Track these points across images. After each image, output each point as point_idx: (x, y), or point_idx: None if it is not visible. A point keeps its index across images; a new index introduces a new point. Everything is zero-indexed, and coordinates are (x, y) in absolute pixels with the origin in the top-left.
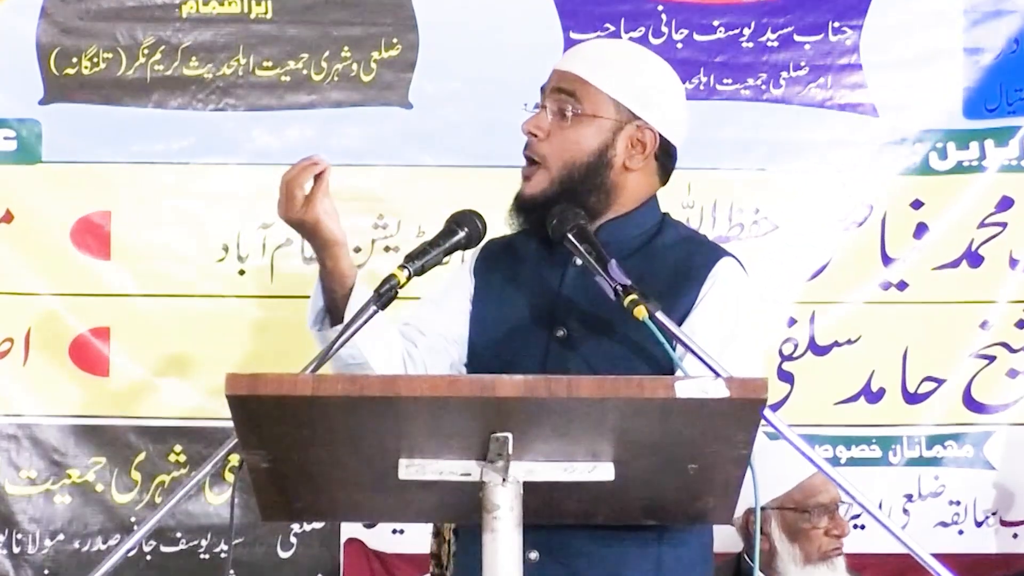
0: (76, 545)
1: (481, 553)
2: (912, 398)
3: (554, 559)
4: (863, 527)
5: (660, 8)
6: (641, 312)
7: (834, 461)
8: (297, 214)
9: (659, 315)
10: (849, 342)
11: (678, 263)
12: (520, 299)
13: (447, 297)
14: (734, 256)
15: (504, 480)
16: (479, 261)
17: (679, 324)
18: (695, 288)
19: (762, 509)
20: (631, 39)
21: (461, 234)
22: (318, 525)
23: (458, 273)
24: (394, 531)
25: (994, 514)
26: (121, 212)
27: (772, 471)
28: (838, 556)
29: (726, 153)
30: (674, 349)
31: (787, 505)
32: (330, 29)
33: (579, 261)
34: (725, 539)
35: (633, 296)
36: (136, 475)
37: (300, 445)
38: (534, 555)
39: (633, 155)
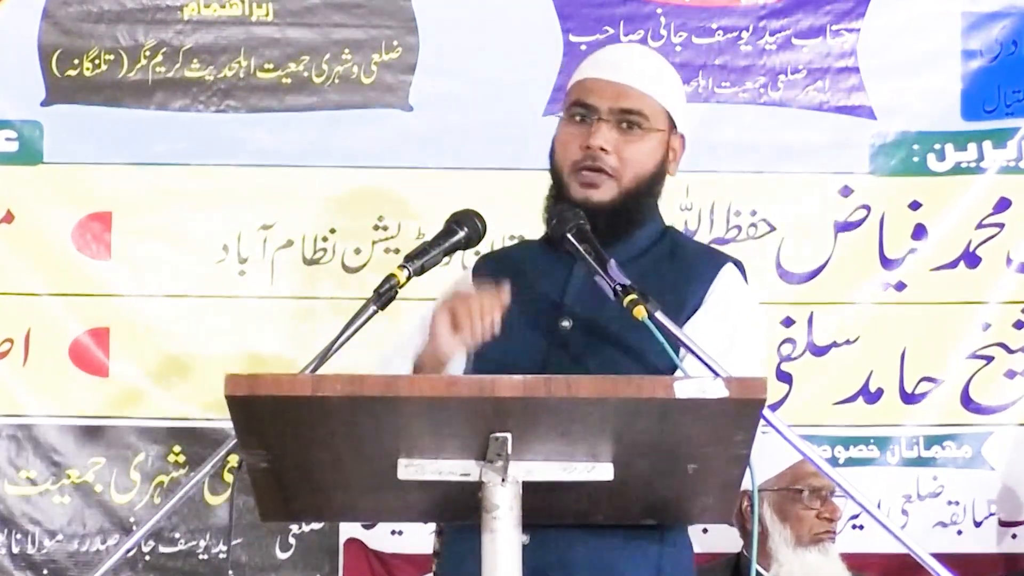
0: (75, 545)
1: (468, 549)
2: (910, 398)
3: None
4: (862, 527)
5: (659, 11)
6: (640, 312)
7: (832, 461)
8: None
9: (658, 315)
10: (847, 343)
11: (683, 267)
12: (523, 305)
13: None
14: (736, 262)
15: (503, 480)
16: (477, 273)
17: (683, 327)
18: (700, 292)
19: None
20: (630, 41)
21: (461, 234)
22: (317, 525)
23: (450, 291)
24: (393, 531)
25: (993, 514)
26: (122, 213)
27: (765, 453)
28: (830, 541)
29: (724, 155)
30: (677, 352)
31: (779, 486)
32: (331, 31)
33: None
34: (725, 539)
35: (633, 296)
36: (135, 476)
37: (299, 445)
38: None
39: (671, 163)
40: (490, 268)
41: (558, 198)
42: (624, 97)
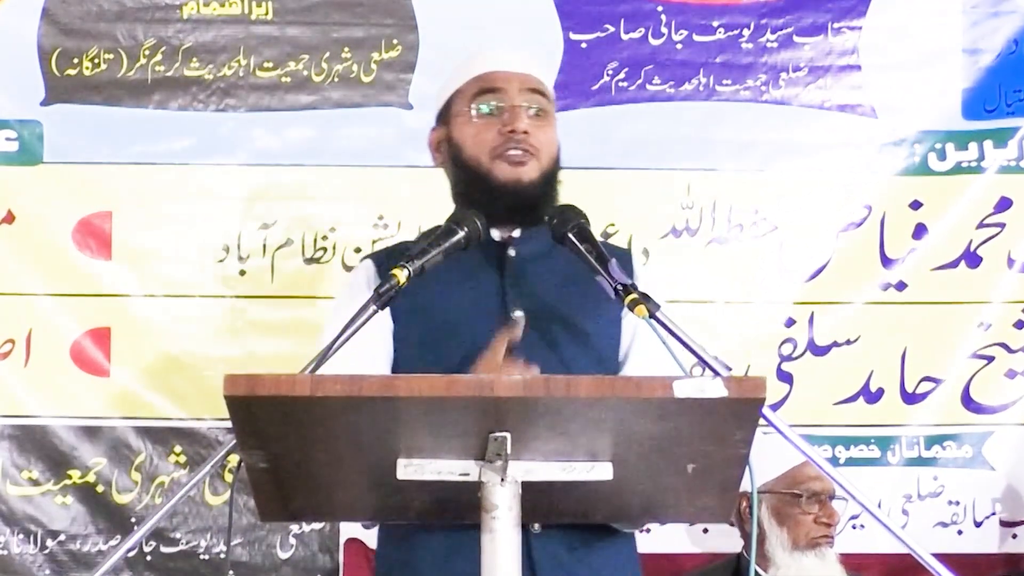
0: (77, 545)
1: (406, 550)
2: (910, 398)
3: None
4: (863, 527)
5: (660, 9)
6: (642, 311)
7: (833, 461)
8: None
9: (659, 314)
10: (848, 342)
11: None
12: (464, 296)
13: (359, 340)
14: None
15: (502, 480)
16: (382, 273)
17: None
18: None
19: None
20: (631, 40)
21: (461, 234)
22: (318, 525)
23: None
24: None
25: (993, 514)
26: (122, 213)
27: (765, 455)
28: (828, 546)
29: (725, 154)
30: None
31: (777, 489)
32: (330, 30)
33: (512, 252)
34: (726, 540)
35: (634, 296)
36: (136, 476)
37: (298, 445)
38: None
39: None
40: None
41: (470, 193)
42: (530, 80)
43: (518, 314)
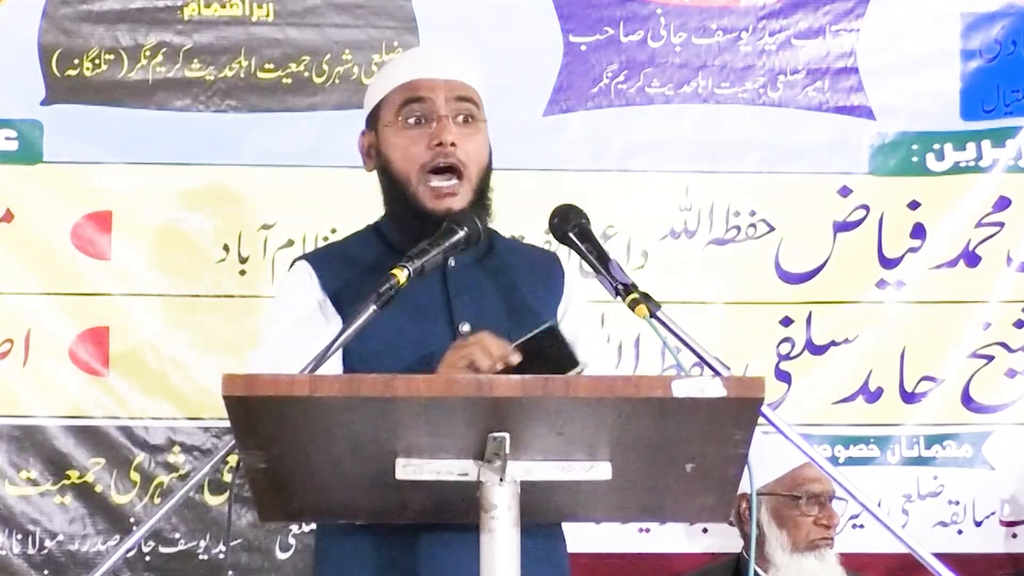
0: (76, 546)
1: (348, 550)
2: (909, 398)
3: None
4: (862, 527)
5: (659, 11)
6: (642, 311)
7: (832, 460)
8: None
9: (660, 314)
10: (847, 342)
11: (528, 262)
12: (407, 307)
13: (299, 336)
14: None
15: (501, 480)
16: (323, 275)
17: (555, 319)
18: (558, 287)
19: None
20: (630, 42)
21: (461, 234)
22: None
23: (300, 305)
24: None
25: (993, 514)
26: (121, 213)
27: (765, 457)
28: (828, 547)
29: (724, 156)
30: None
31: (776, 491)
32: (331, 32)
33: (452, 262)
34: (726, 540)
35: (634, 296)
36: (135, 476)
37: (297, 446)
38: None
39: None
40: (338, 266)
41: (401, 214)
42: (457, 87)
43: (464, 330)
